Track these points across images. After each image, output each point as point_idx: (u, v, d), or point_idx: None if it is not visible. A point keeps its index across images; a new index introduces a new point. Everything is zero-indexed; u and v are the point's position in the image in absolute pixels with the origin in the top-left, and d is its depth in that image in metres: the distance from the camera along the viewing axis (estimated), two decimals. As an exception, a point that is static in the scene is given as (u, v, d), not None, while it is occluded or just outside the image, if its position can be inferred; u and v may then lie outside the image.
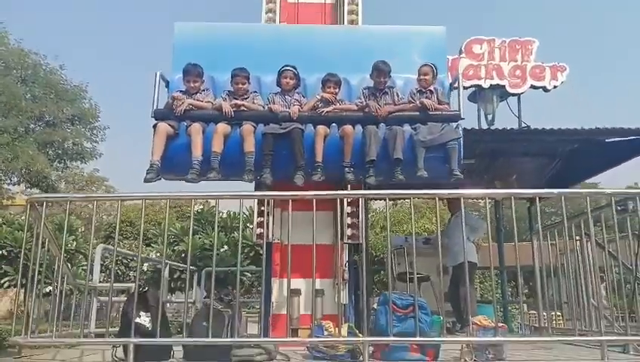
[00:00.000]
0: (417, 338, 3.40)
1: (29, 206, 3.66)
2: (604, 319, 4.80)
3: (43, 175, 17.97)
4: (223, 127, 4.67)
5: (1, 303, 18.29)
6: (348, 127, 4.71)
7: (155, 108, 4.84)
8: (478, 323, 3.62)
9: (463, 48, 8.77)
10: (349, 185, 5.03)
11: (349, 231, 5.24)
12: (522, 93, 8.60)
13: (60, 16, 60.68)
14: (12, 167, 17.24)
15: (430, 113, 4.82)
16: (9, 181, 18.91)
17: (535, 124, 6.56)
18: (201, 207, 12.38)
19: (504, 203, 7.55)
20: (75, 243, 10.99)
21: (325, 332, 3.71)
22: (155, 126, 4.68)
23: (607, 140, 6.40)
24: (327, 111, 4.82)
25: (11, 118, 17.01)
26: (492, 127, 7.63)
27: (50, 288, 4.64)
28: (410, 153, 4.61)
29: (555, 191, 3.74)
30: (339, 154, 4.68)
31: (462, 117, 4.88)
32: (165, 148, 4.60)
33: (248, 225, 5.92)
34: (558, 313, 6.41)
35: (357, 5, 6.07)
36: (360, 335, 3.58)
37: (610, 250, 5.02)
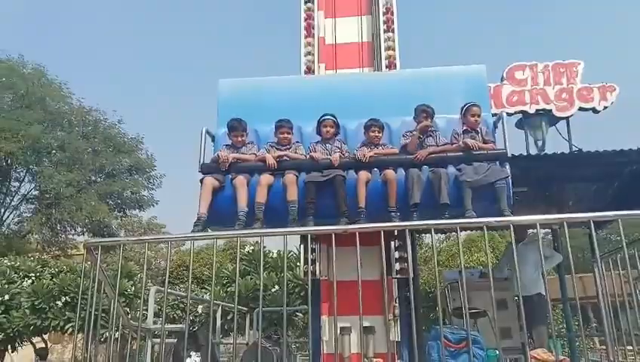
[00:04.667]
0: (472, 374, 3.26)
1: (85, 250, 3.85)
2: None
3: (104, 224, 18.90)
4: (266, 178, 4.77)
5: (67, 350, 18.92)
6: (390, 172, 4.69)
7: (201, 162, 5.03)
8: (537, 356, 3.43)
9: (504, 75, 8.63)
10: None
11: (397, 266, 5.13)
12: (570, 116, 8.33)
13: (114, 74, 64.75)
14: (76, 218, 18.25)
15: (475, 153, 4.72)
16: (73, 231, 19.98)
17: (587, 147, 6.31)
18: (252, 248, 12.51)
19: (562, 232, 7.21)
20: (133, 288, 11.30)
21: (376, 370, 3.62)
22: (201, 180, 4.85)
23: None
24: (370, 156, 4.80)
25: (75, 171, 18.14)
26: (542, 153, 7.39)
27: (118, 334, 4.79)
28: (456, 195, 4.50)
29: (611, 213, 3.55)
30: (381, 199, 4.64)
31: (508, 155, 4.75)
32: (212, 201, 4.73)
33: (298, 264, 5.97)
34: (630, 348, 5.95)
35: (394, 42, 6.15)
36: (412, 372, 3.47)
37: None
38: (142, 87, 68.82)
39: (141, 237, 4.14)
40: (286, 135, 5.07)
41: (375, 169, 4.81)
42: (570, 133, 8.29)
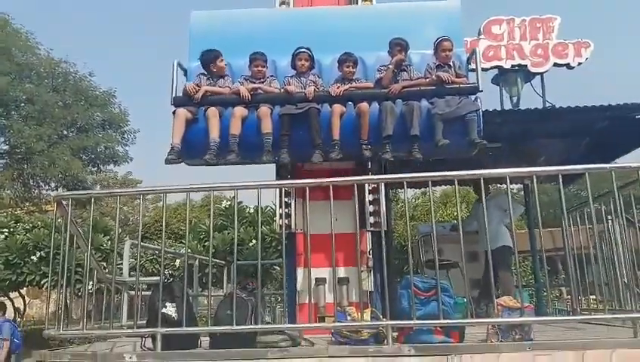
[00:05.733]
0: (440, 321, 3.38)
1: (55, 203, 3.80)
2: (637, 297, 4.67)
3: (79, 179, 18.60)
4: (240, 110, 4.75)
5: (45, 305, 18.98)
6: (364, 105, 4.70)
7: (174, 95, 4.95)
8: (503, 303, 3.57)
9: (481, 29, 8.57)
10: (370, 173, 5.08)
11: (371, 219, 5.23)
12: (545, 71, 8.37)
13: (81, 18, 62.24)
14: (50, 173, 17.90)
15: (447, 86, 4.75)
16: (47, 187, 19.65)
17: (561, 103, 6.36)
18: (229, 203, 12.52)
19: (533, 187, 7.40)
20: (109, 243, 11.28)
21: (348, 318, 3.72)
22: (174, 112, 4.81)
23: (637, 116, 6.17)
24: (344, 90, 4.80)
25: (46, 125, 17.63)
26: (517, 109, 7.45)
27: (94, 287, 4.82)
28: (428, 128, 4.56)
29: (579, 167, 3.64)
30: (356, 132, 4.69)
31: (480, 89, 4.79)
32: (185, 133, 4.71)
33: (275, 218, 6.06)
34: (593, 297, 6.23)
35: (371, -14, 6.00)
36: (383, 319, 3.58)
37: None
38: (113, 41, 66.49)
39: (112, 190, 4.09)
40: (260, 68, 5.01)
41: (349, 102, 4.83)
42: (544, 89, 8.35)
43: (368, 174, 5.12)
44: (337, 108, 4.73)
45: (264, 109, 4.72)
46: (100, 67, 60.90)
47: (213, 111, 4.72)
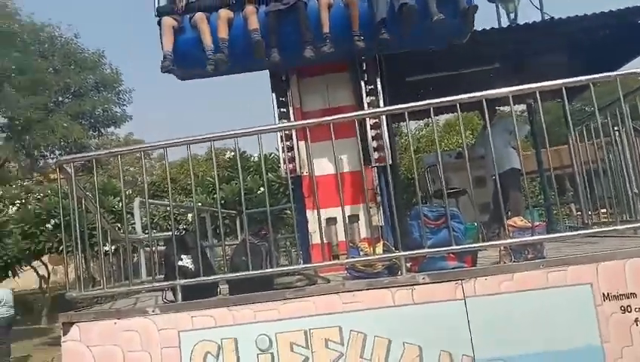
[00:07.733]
0: (452, 247, 3.40)
1: (58, 169, 3.79)
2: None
3: (82, 145, 18.60)
4: (225, 12, 4.68)
5: (69, 269, 19.49)
6: None
7: (157, 6, 4.89)
8: (514, 224, 3.57)
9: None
10: (366, 105, 5.01)
11: (375, 155, 5.20)
12: (543, -20, 8.00)
13: (68, -15, 60.08)
14: (51, 141, 17.89)
15: None
16: (52, 156, 19.68)
17: (560, 15, 6.11)
18: (232, 153, 12.51)
19: (537, 107, 7.26)
20: (120, 203, 11.39)
21: (361, 253, 3.75)
22: (159, 22, 4.76)
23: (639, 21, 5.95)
24: None
25: (40, 94, 17.42)
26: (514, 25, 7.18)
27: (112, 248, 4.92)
28: (420, 5, 4.44)
29: (582, 78, 3.53)
30: (345, 23, 4.60)
31: None
32: (175, 45, 4.66)
33: (280, 164, 6.09)
34: (604, 211, 6.24)
35: None
36: (395, 251, 3.62)
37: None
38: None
39: (112, 150, 4.07)
40: None
41: None
42: (542, 1, 8.01)
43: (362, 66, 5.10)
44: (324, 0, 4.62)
45: (249, 8, 4.64)
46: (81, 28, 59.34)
47: (200, 16, 4.65)
